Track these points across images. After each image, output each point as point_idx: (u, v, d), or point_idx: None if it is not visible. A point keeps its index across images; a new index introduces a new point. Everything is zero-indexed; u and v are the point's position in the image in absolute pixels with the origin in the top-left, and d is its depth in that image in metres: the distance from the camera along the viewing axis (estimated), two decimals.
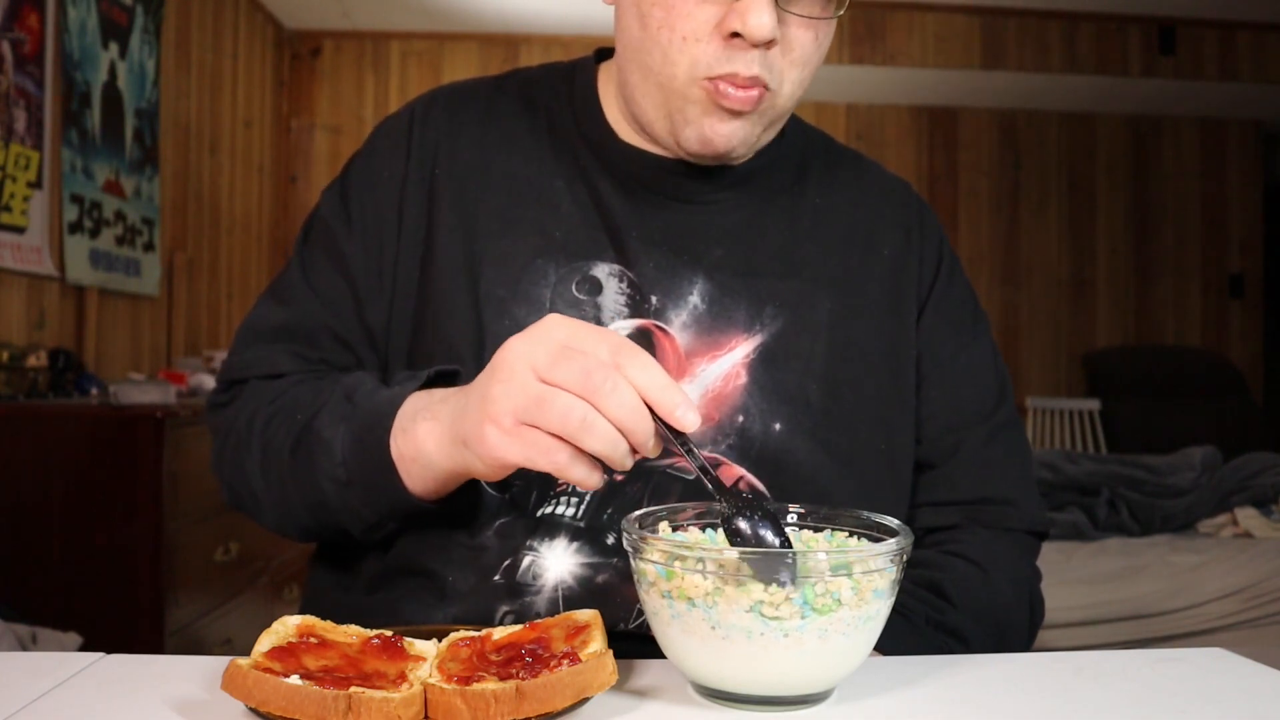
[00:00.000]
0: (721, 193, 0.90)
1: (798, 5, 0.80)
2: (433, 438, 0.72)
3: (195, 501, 2.36)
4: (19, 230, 2.61)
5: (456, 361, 0.83)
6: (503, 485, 0.83)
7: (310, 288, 0.90)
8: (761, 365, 0.86)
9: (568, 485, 0.83)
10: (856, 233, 0.94)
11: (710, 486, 0.65)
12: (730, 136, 0.83)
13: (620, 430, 0.62)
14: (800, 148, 0.97)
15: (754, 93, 0.80)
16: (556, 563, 0.81)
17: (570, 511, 0.82)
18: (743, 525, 0.64)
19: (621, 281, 0.86)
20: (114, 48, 3.11)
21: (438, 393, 0.75)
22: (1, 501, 2.20)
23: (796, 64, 0.82)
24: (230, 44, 4.05)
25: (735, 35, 0.78)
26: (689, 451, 0.64)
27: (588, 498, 0.83)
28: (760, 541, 0.63)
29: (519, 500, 0.83)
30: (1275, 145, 5.46)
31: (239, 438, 0.86)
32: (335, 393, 0.81)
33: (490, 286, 0.86)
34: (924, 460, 0.93)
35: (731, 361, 0.86)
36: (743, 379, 0.86)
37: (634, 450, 0.64)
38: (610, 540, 0.82)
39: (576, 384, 0.62)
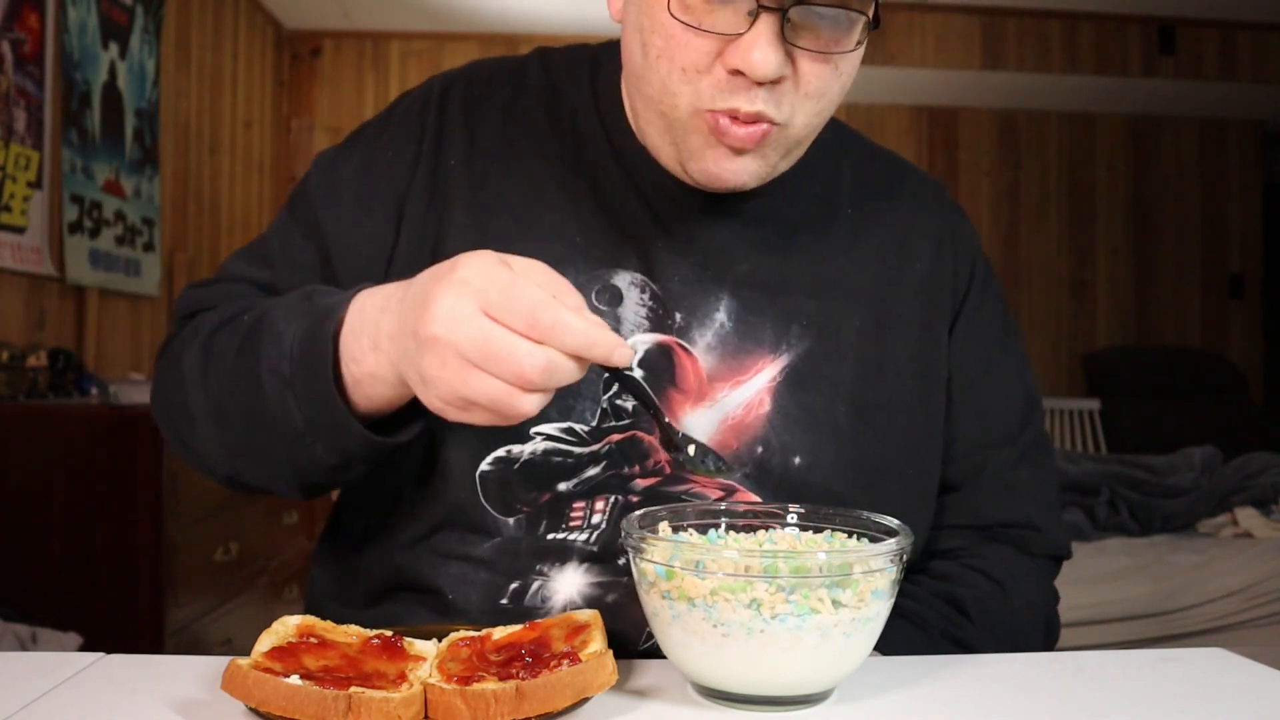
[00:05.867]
0: (750, 202, 0.85)
1: (807, 39, 0.72)
2: (382, 368, 0.69)
3: (195, 501, 2.36)
4: (19, 230, 2.61)
5: None
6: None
7: (286, 259, 0.86)
8: (787, 390, 0.83)
9: (582, 520, 0.80)
10: (889, 246, 0.89)
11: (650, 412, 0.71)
12: (739, 173, 0.77)
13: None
14: (834, 152, 0.91)
15: (757, 129, 0.74)
16: (566, 585, 0.79)
17: (583, 537, 0.79)
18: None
19: (644, 293, 0.83)
20: (114, 48, 3.10)
21: (379, 303, 0.70)
22: (1, 501, 2.20)
23: (811, 96, 0.75)
24: (230, 44, 4.05)
25: (738, 71, 0.72)
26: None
27: (601, 526, 0.80)
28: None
29: (531, 526, 0.80)
30: (1275, 145, 5.45)
31: (181, 350, 0.81)
32: (295, 293, 0.77)
33: None
34: (948, 482, 0.90)
35: (755, 388, 0.82)
36: (766, 407, 0.82)
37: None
38: (622, 561, 0.79)
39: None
